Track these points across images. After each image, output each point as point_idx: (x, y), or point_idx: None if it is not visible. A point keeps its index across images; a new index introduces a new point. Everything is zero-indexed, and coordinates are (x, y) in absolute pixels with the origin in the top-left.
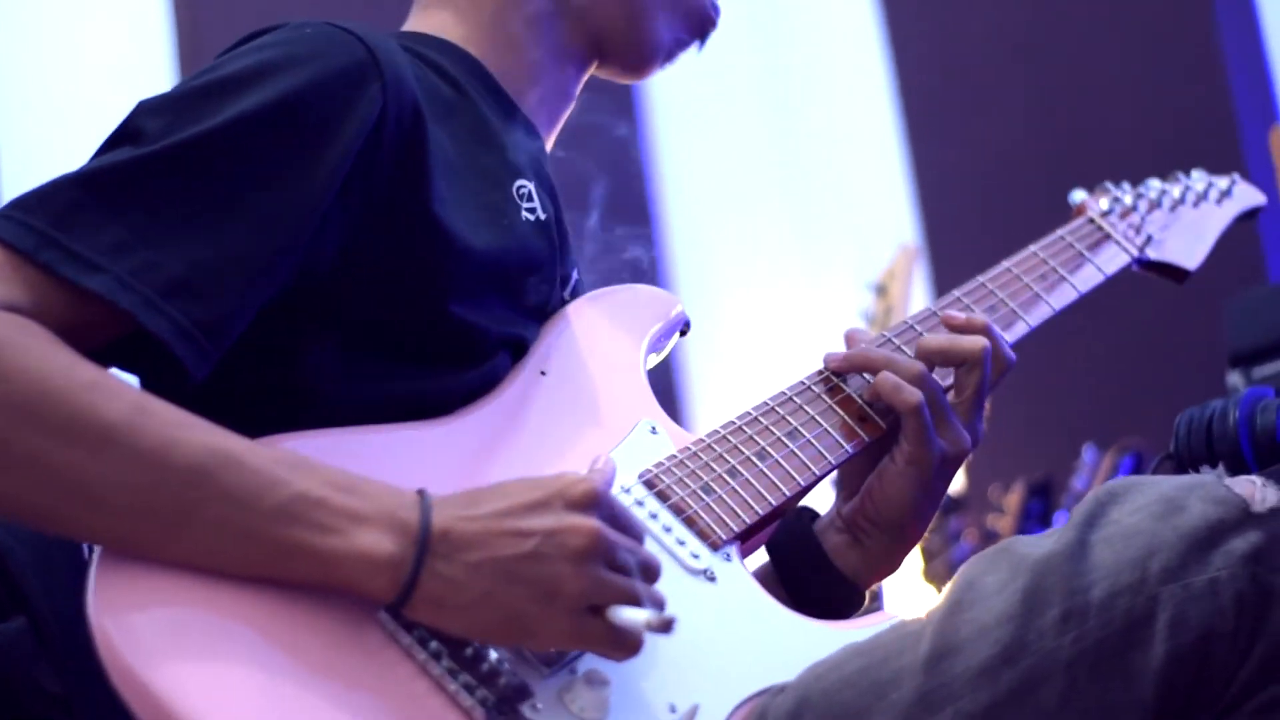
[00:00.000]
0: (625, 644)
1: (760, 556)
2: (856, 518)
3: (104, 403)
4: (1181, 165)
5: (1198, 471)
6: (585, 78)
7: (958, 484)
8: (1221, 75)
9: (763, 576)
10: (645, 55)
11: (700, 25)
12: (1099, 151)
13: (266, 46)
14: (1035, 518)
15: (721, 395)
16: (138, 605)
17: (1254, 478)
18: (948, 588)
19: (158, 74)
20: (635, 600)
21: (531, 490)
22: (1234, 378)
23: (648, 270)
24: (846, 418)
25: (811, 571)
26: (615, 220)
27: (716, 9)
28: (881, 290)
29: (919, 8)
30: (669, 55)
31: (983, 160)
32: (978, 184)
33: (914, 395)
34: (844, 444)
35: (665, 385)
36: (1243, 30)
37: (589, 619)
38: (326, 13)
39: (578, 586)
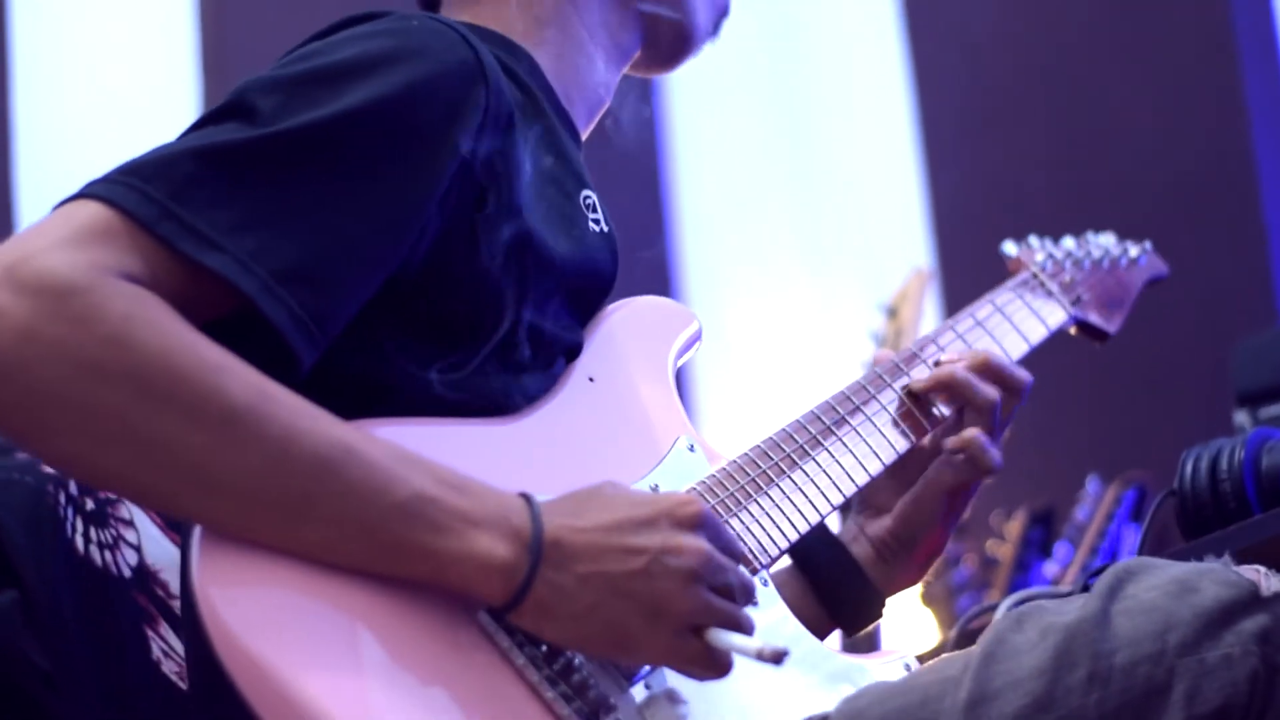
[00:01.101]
0: (718, 665)
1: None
2: (885, 536)
3: (230, 385)
4: (1197, 207)
5: (1201, 509)
6: (622, 74)
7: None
8: (1243, 119)
9: (786, 584)
10: (689, 46)
11: (719, 16)
12: (1114, 187)
13: (376, 35)
14: (1036, 546)
15: (729, 410)
16: (245, 581)
17: (1258, 567)
18: (980, 641)
19: (180, 98)
20: (737, 624)
21: (638, 506)
22: (1241, 417)
23: (659, 282)
24: (878, 432)
25: (848, 581)
26: (628, 232)
27: None
28: (892, 312)
29: (943, 33)
30: (698, 45)
31: (999, 188)
32: (993, 212)
33: (992, 392)
34: (865, 468)
35: None
36: (1266, 76)
37: (688, 638)
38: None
39: (684, 606)
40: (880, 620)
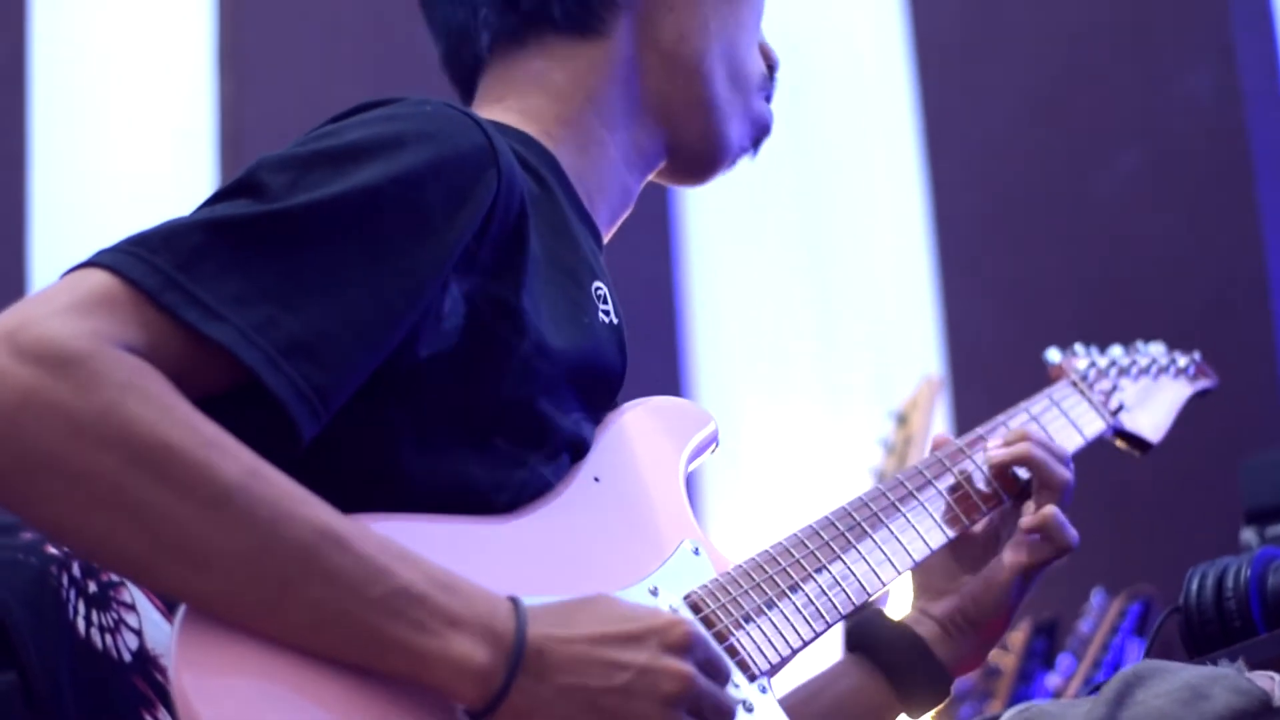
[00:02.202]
0: None
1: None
2: (954, 616)
3: (222, 463)
4: (1210, 322)
5: (1205, 626)
6: (644, 183)
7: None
8: (1258, 235)
9: (847, 673)
10: (716, 161)
11: (759, 134)
12: (1127, 302)
13: (390, 119)
14: (1038, 657)
15: (737, 512)
16: (221, 669)
17: (1272, 674)
18: None
19: (195, 178)
20: None
21: (627, 621)
22: (1248, 535)
23: (671, 383)
24: (875, 557)
25: (919, 662)
26: (641, 332)
27: (773, 116)
28: (902, 419)
29: (959, 142)
30: (731, 162)
31: (1012, 299)
32: (1005, 324)
33: (1065, 470)
34: (867, 589)
35: None
36: None
37: None
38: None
39: None
40: (947, 700)
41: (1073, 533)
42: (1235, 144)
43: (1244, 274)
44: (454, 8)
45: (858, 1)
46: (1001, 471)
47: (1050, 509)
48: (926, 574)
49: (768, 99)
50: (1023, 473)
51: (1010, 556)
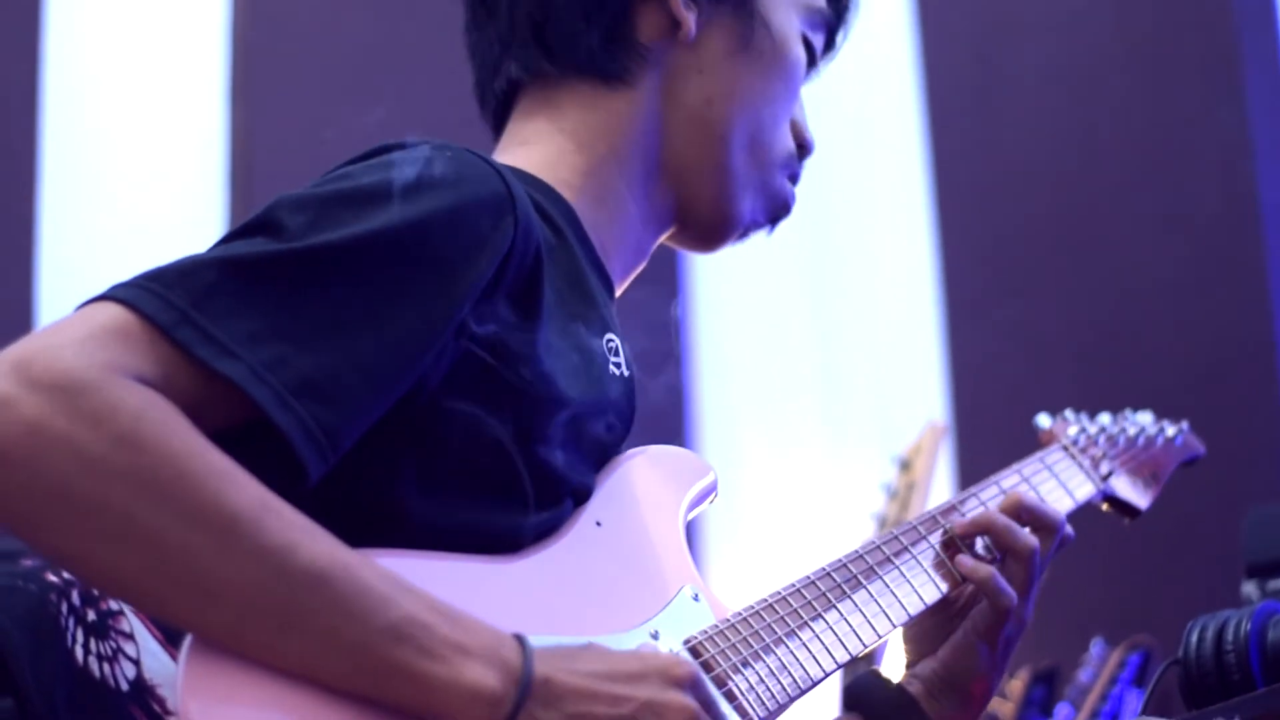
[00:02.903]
0: None
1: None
2: (933, 678)
3: (233, 494)
4: (1214, 376)
5: (1204, 679)
6: (659, 241)
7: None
8: (1263, 289)
9: None
10: (724, 230)
11: (777, 211)
12: (1131, 355)
13: (410, 163)
14: (1037, 705)
15: (739, 555)
16: (227, 699)
17: None
18: None
19: (206, 221)
20: None
21: (631, 660)
22: (1249, 588)
23: (674, 425)
24: (907, 583)
25: (908, 716)
26: (645, 373)
27: (794, 197)
28: (905, 465)
29: (970, 188)
30: (743, 234)
31: (1018, 350)
32: (1010, 372)
33: (1030, 538)
34: (863, 640)
35: None
36: None
37: None
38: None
39: None
40: None
41: (1010, 594)
42: (1245, 197)
43: (1249, 325)
44: (488, 41)
45: (868, 41)
46: (957, 551)
47: (983, 570)
48: (915, 633)
49: (792, 178)
50: (979, 545)
51: (969, 622)
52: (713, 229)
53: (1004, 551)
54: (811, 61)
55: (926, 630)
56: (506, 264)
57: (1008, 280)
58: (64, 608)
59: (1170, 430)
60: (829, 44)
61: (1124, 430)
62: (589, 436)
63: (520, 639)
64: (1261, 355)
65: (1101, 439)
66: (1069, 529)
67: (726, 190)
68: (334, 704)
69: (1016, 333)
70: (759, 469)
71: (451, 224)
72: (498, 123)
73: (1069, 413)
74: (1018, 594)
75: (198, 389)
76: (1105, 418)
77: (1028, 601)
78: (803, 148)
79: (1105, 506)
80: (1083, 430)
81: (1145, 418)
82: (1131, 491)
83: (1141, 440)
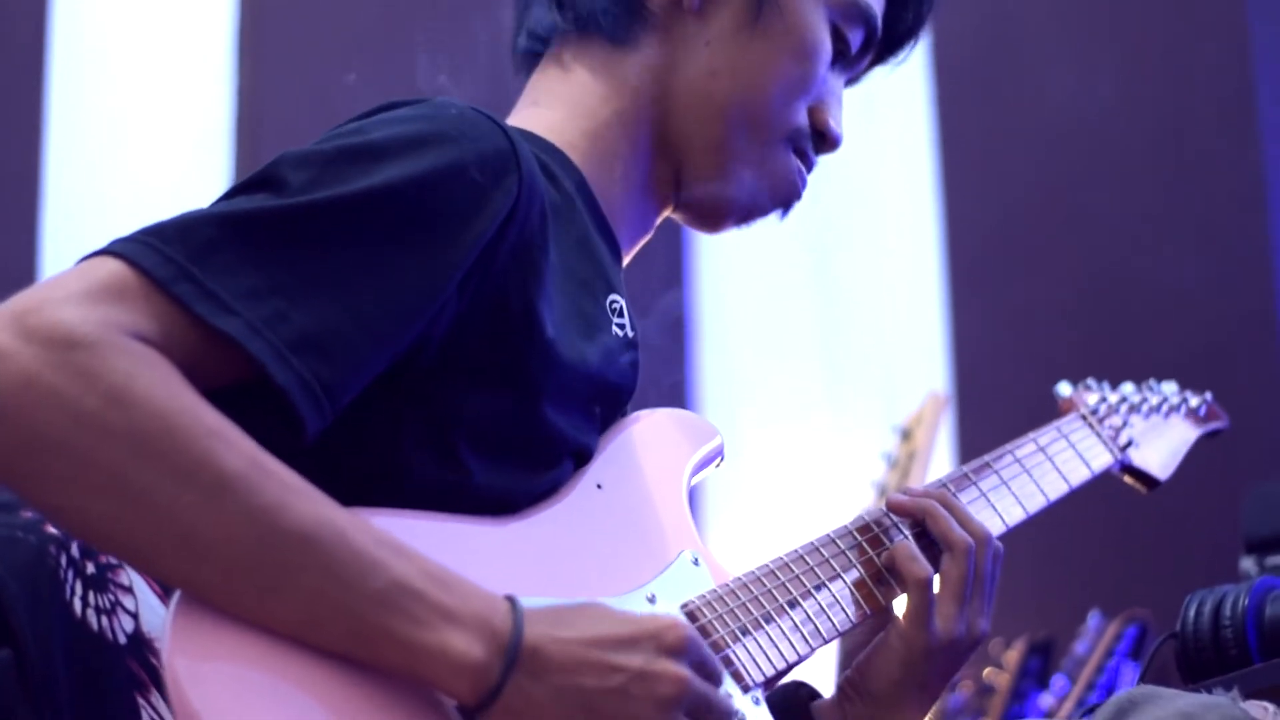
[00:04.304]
0: None
1: None
2: (844, 684)
3: (225, 452)
4: (1217, 353)
5: (1201, 653)
6: (663, 216)
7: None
8: (1266, 269)
9: None
10: (719, 211)
11: (785, 195)
12: (1134, 327)
13: (414, 120)
14: (1033, 676)
15: (739, 524)
16: (214, 656)
17: (1266, 704)
18: None
19: (214, 148)
20: None
21: (624, 624)
22: (1247, 564)
23: (677, 391)
24: (867, 579)
25: None
26: (648, 341)
27: (804, 182)
28: (906, 435)
29: (975, 164)
30: (744, 217)
31: (1020, 321)
32: (1013, 343)
33: (924, 569)
34: (862, 605)
35: None
36: None
37: None
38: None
39: None
40: None
41: (925, 567)
42: (1250, 175)
43: (1251, 302)
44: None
45: None
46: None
47: (901, 543)
48: (846, 636)
49: (803, 158)
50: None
51: (895, 624)
52: (709, 207)
53: (943, 542)
54: (842, 53)
55: (854, 636)
56: (510, 222)
57: (1011, 253)
58: (63, 560)
59: (1194, 401)
60: (874, 42)
61: (1146, 400)
62: (591, 398)
63: (513, 603)
64: (1263, 332)
65: (1123, 408)
66: (998, 544)
67: (722, 165)
68: (321, 665)
69: (1019, 305)
70: (760, 436)
71: (455, 181)
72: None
73: (1091, 381)
74: (954, 595)
75: (196, 345)
76: (1128, 387)
77: (955, 600)
78: (823, 137)
79: (1125, 478)
80: (1103, 399)
81: (1169, 388)
82: (1151, 462)
83: (1164, 410)
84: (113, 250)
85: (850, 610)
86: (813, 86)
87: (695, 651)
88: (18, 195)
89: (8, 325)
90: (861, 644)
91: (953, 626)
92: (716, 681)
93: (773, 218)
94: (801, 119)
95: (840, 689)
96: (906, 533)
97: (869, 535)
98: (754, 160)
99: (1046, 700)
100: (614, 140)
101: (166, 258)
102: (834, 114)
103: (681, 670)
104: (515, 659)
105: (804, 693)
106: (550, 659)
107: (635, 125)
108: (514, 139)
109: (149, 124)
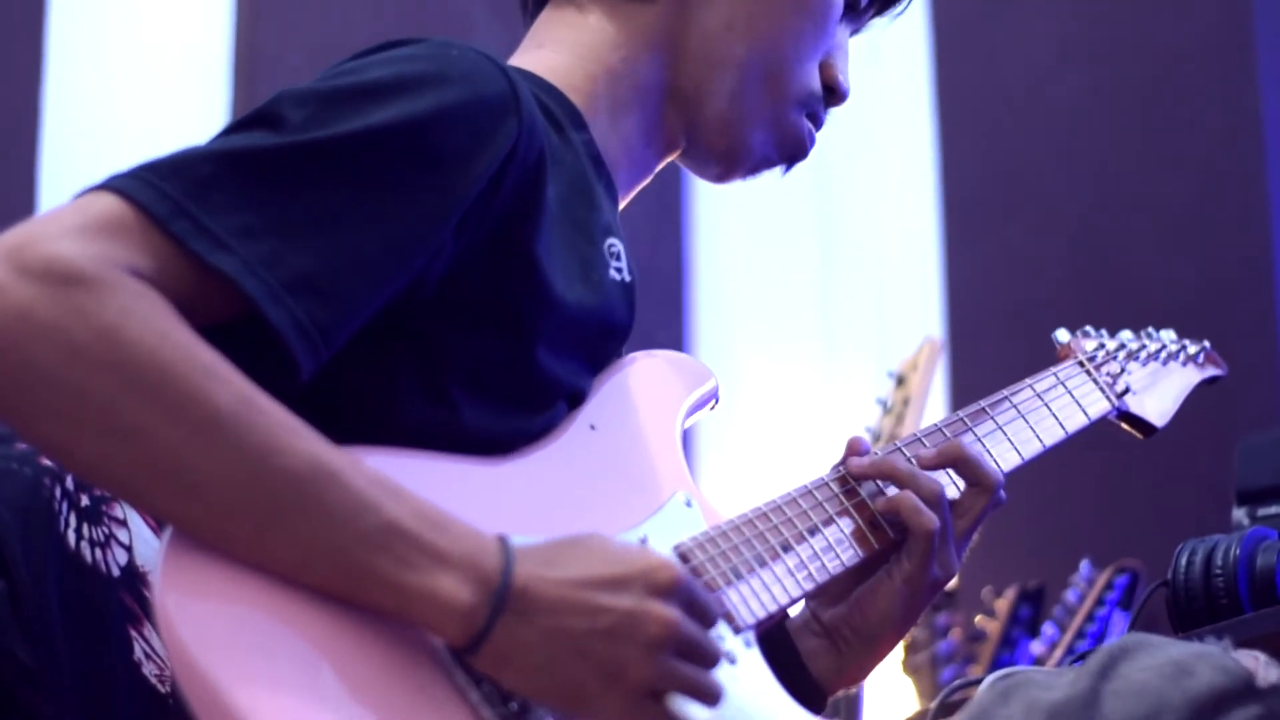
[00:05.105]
0: None
1: None
2: (840, 625)
3: (218, 390)
4: (1212, 303)
5: (1192, 602)
6: (664, 162)
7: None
8: (1264, 217)
9: None
10: (731, 162)
11: (792, 153)
12: (1130, 276)
13: (414, 59)
14: (1023, 624)
15: (732, 467)
16: (204, 593)
17: (1257, 654)
18: (961, 714)
19: (212, 83)
20: (700, 692)
21: (614, 564)
22: (1239, 514)
23: (673, 333)
24: (860, 523)
25: (783, 671)
26: (645, 285)
27: (813, 141)
28: (901, 380)
29: (973, 112)
30: (753, 169)
31: (1017, 271)
32: (1008, 290)
33: (931, 520)
34: (856, 549)
35: None
36: None
37: (646, 703)
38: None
39: (644, 673)
40: (823, 712)
41: (930, 517)
42: (1248, 123)
43: (1247, 252)
44: None
45: None
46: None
47: (904, 494)
48: (830, 579)
49: (813, 119)
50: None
51: (892, 564)
52: (718, 159)
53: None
54: (851, 6)
55: (840, 578)
56: (508, 164)
57: (1008, 200)
58: (58, 492)
59: (1192, 348)
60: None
61: (1144, 347)
62: (586, 339)
63: (504, 543)
64: (1259, 282)
65: (1121, 355)
66: (1003, 494)
67: (735, 120)
68: (312, 604)
69: (1015, 252)
70: (755, 382)
71: (453, 121)
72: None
73: (1089, 328)
74: (940, 549)
75: (190, 282)
76: (1126, 334)
77: (949, 545)
78: (832, 91)
79: (1122, 424)
80: (1101, 345)
81: (1168, 335)
82: (1149, 409)
83: (1162, 357)
84: (109, 186)
85: (844, 554)
86: (825, 42)
87: (686, 592)
88: (16, 131)
89: (2, 260)
90: (838, 591)
91: (952, 568)
92: (708, 623)
93: (775, 171)
94: (815, 81)
95: (832, 633)
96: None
97: (845, 485)
98: (766, 117)
99: (1037, 648)
100: (620, 87)
101: (163, 194)
102: (842, 68)
103: (670, 612)
104: (503, 602)
105: (787, 636)
106: (539, 600)
107: (645, 74)
108: (514, 80)
109: (148, 58)
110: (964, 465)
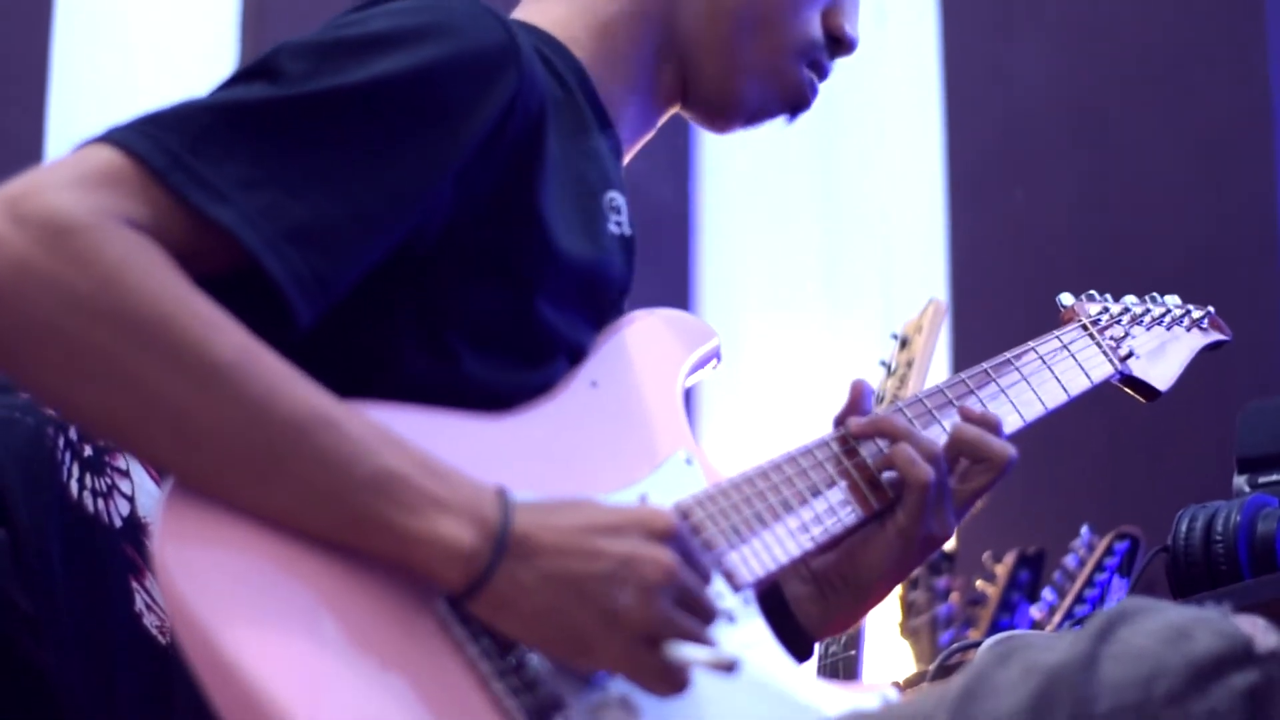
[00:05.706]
0: (673, 681)
1: None
2: (829, 574)
3: (216, 339)
4: (1216, 268)
5: (1192, 568)
6: (668, 114)
7: (950, 543)
8: (1271, 185)
9: None
10: (728, 111)
11: (794, 102)
12: (1135, 240)
13: (414, 11)
14: (1023, 588)
15: (734, 427)
16: (203, 542)
17: (1257, 619)
18: (960, 676)
19: (218, 55)
20: (695, 639)
21: (611, 513)
22: (1240, 481)
23: (676, 292)
24: (860, 482)
25: (769, 617)
26: (648, 245)
27: (815, 91)
28: (905, 342)
29: (980, 74)
30: (753, 118)
31: (1023, 235)
32: (1014, 256)
33: (925, 472)
34: (857, 508)
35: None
36: None
37: (644, 650)
38: None
39: (642, 615)
40: (810, 659)
41: (925, 469)
42: (1254, 84)
43: (1251, 217)
44: None
45: None
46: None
47: (901, 446)
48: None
49: (816, 68)
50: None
51: (894, 520)
52: (716, 109)
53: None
54: None
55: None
56: (509, 116)
57: (1014, 162)
58: (60, 442)
59: (1196, 313)
60: None
61: (1149, 311)
62: (586, 294)
63: (503, 492)
64: (1262, 248)
65: (1125, 319)
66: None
67: (730, 71)
68: (312, 552)
69: (1020, 215)
70: (759, 342)
71: (453, 73)
72: None
73: (1093, 292)
74: (936, 505)
75: (189, 234)
76: (1131, 299)
77: (945, 502)
78: (838, 41)
79: (1125, 388)
80: (1105, 310)
81: (1172, 299)
82: (1152, 374)
83: (1166, 322)
84: (109, 138)
85: (845, 515)
86: None
87: (683, 542)
88: (24, 84)
89: (2, 211)
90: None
91: (949, 527)
92: (705, 577)
93: (779, 121)
94: (814, 30)
95: (820, 580)
96: (880, 442)
97: (845, 445)
98: (764, 67)
99: (1036, 612)
100: (620, 38)
101: (162, 146)
102: (849, 16)
103: (667, 555)
104: (505, 545)
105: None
106: (539, 544)
107: (643, 24)
108: (514, 32)
109: (156, 10)
110: (968, 447)
